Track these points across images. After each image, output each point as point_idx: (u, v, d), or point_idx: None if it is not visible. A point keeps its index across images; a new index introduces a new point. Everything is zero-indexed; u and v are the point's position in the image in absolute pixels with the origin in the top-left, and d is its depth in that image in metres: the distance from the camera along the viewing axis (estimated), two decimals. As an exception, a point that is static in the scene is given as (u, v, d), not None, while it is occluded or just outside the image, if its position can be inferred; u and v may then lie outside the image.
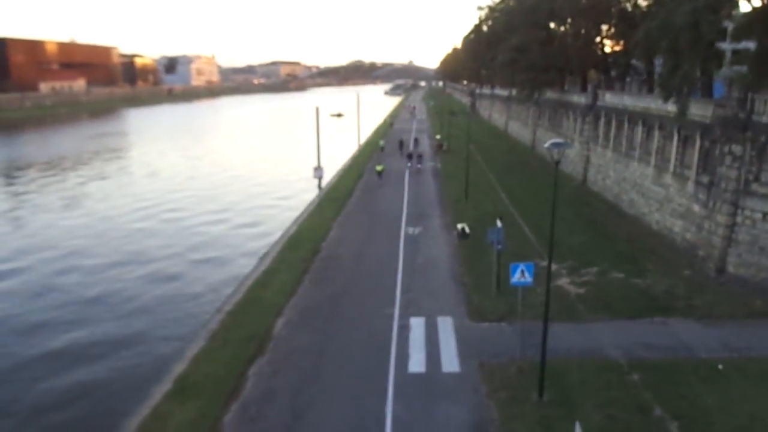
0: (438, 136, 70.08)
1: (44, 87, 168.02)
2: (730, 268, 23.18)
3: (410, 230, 31.72)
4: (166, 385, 16.27)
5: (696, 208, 26.18)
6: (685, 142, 28.02)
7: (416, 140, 68.23)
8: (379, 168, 47.69)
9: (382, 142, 67.53)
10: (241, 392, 15.86)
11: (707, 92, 30.72)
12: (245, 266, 28.17)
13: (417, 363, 17.33)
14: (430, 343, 18.52)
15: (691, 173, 26.86)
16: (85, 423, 16.25)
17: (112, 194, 48.53)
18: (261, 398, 15.57)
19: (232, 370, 16.88)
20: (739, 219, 22.91)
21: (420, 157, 51.48)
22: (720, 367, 16.55)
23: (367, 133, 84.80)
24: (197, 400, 15.35)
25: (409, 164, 50.39)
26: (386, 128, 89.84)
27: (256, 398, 15.57)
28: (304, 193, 44.51)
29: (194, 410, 14.87)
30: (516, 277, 16.44)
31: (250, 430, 14.19)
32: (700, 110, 26.06)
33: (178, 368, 17.27)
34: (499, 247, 21.48)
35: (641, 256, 26.58)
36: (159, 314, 23.62)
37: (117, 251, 32.08)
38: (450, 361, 17.38)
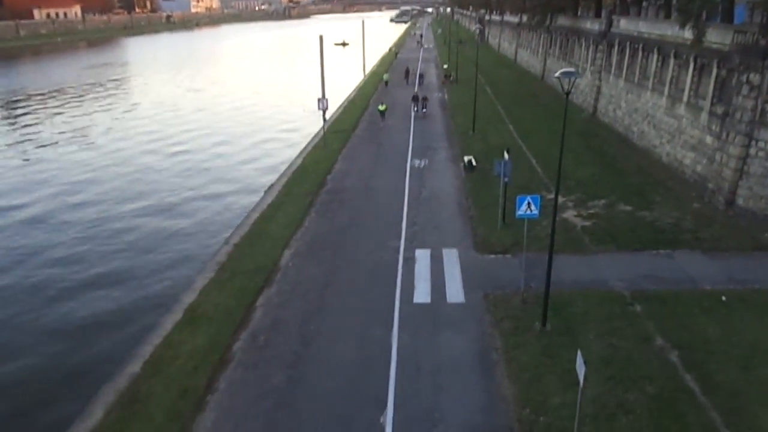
0: (445, 66, 68.31)
1: (38, 14, 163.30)
2: (740, 201, 22.97)
3: (416, 163, 31.45)
4: (176, 315, 16.61)
5: (708, 139, 25.67)
6: (701, 71, 27.13)
7: (421, 76, 63.31)
8: (381, 107, 42.67)
9: (386, 76, 62.16)
10: (249, 322, 16.20)
11: (728, 17, 29.43)
12: (251, 199, 28.17)
13: (422, 294, 17.56)
14: (436, 275, 18.70)
15: (706, 104, 26.16)
16: (98, 351, 16.68)
17: (114, 127, 48.04)
18: (270, 327, 15.90)
19: (240, 300, 17.17)
20: (752, 151, 22.48)
21: (425, 100, 44.91)
22: (723, 298, 16.69)
23: (372, 62, 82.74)
24: (208, 329, 15.70)
25: (414, 108, 44.71)
26: (391, 58, 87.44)
27: (264, 327, 15.91)
28: (308, 126, 43.91)
29: (205, 338, 15.23)
30: (522, 210, 16.35)
31: (260, 358, 14.56)
32: (718, 37, 25.04)
33: (188, 299, 17.58)
34: (506, 179, 21.28)
35: (650, 188, 26.35)
36: (166, 247, 23.84)
37: (122, 185, 32.03)
38: (455, 292, 17.60)
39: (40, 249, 23.66)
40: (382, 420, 12.31)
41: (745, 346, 14.48)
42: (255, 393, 13.25)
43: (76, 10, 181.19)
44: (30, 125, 49.01)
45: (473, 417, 12.37)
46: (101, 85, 72.81)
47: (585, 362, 10.43)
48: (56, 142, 42.54)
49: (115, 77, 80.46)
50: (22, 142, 43.13)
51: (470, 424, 12.18)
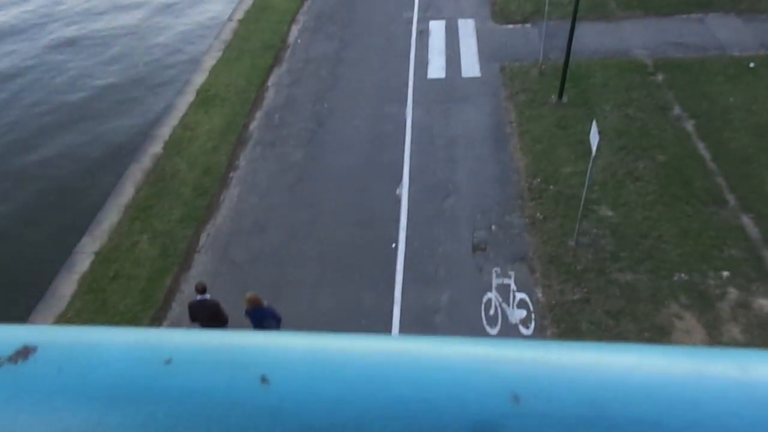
0: None
1: None
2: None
3: None
4: (189, 96, 16.54)
5: None
6: None
7: None
8: None
9: None
10: (263, 101, 16.15)
11: None
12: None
13: (436, 68, 17.07)
14: (451, 48, 17.96)
15: None
16: (117, 132, 16.95)
17: None
18: (283, 106, 15.89)
19: (251, 80, 16.90)
20: None
21: None
22: (751, 65, 16.02)
23: None
24: (222, 109, 15.75)
25: None
26: None
27: (278, 106, 15.90)
28: None
29: (220, 119, 15.37)
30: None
31: (277, 136, 14.82)
32: None
33: (198, 79, 17.32)
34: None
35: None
36: (166, 26, 22.75)
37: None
38: (470, 66, 17.07)
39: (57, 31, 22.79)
40: (398, 191, 12.91)
41: (764, 114, 14.29)
42: (275, 168, 13.76)
43: None
44: None
45: (485, 186, 12.90)
46: None
47: (599, 132, 10.47)
48: None
49: None
50: None
51: (482, 193, 12.75)
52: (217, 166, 13.79)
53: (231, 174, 13.64)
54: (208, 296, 9.03)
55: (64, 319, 10.58)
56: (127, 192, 13.37)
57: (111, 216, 12.75)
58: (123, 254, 11.72)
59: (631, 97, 15.16)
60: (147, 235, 12.06)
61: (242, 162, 14.05)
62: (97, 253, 11.81)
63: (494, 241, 11.58)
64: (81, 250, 12.07)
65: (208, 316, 8.99)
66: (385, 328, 10.11)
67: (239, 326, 9.36)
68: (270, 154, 14.23)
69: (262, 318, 8.78)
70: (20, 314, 10.80)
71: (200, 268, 11.47)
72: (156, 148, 14.61)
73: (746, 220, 11.58)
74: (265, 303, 8.79)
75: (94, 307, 10.73)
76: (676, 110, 14.63)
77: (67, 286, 11.22)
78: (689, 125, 14.14)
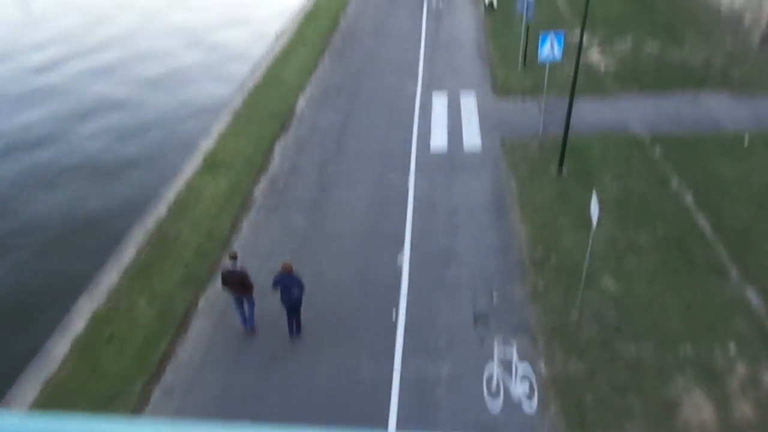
0: None
1: None
2: (777, 38, 21.64)
3: (433, 3, 29.58)
4: (196, 161, 16.86)
5: (752, -31, 23.53)
6: None
7: None
8: None
9: None
10: (268, 167, 16.44)
11: None
12: (262, 44, 27.14)
13: (439, 138, 17.47)
14: (453, 119, 18.45)
15: (755, -73, 23.59)
16: (122, 195, 17.18)
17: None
18: (288, 173, 16.16)
19: (258, 146, 17.28)
20: (798, -19, 20.70)
21: None
22: (746, 139, 16.36)
23: None
24: (227, 174, 16.01)
25: None
26: None
27: (283, 173, 16.17)
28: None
29: (225, 183, 15.59)
30: (545, 51, 15.61)
31: (280, 202, 14.98)
32: None
33: (206, 145, 17.71)
34: (529, 18, 20.05)
35: (681, 26, 24.78)
36: (182, 93, 23.52)
37: (143, 21, 30.88)
38: (472, 137, 17.47)
39: (65, 96, 23.53)
40: (399, 259, 12.90)
41: (761, 186, 14.48)
42: (277, 233, 13.82)
43: None
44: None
45: (486, 256, 12.90)
46: None
47: (600, 203, 10.57)
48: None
49: None
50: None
51: (483, 262, 12.73)
52: (219, 230, 13.86)
53: (233, 238, 13.69)
54: (238, 265, 10.59)
55: (54, 380, 10.33)
56: (128, 253, 13.38)
57: (110, 276, 12.70)
58: (120, 315, 11.59)
59: (630, 169, 15.42)
60: (145, 297, 11.97)
61: (245, 226, 14.13)
62: (94, 314, 11.68)
63: (496, 311, 11.45)
64: (78, 309, 11.95)
65: (237, 282, 10.55)
66: (383, 400, 9.84)
67: (263, 293, 11.05)
68: (273, 219, 14.34)
69: (290, 283, 10.32)
70: (11, 374, 10.58)
71: (197, 332, 11.31)
72: (160, 210, 14.75)
73: (750, 293, 11.49)
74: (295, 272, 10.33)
75: (86, 370, 10.50)
76: (675, 182, 14.84)
77: (60, 347, 11.03)
78: (688, 197, 14.29)
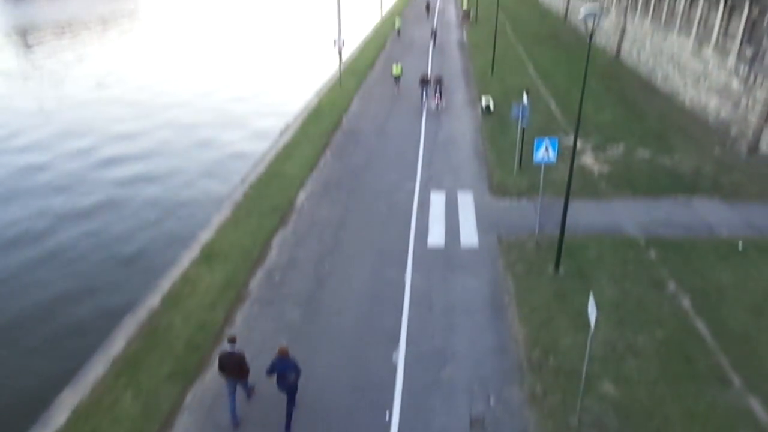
0: (465, 2, 66.19)
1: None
2: (763, 147, 22.46)
3: (433, 104, 30.92)
4: (193, 252, 16.90)
5: (735, 83, 24.87)
6: (731, 11, 26.00)
7: (434, 80, 31.29)
8: (396, 71, 33.21)
9: (398, 22, 53.18)
10: (265, 260, 16.45)
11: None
12: (266, 141, 28.07)
13: (436, 236, 17.64)
14: (450, 217, 18.72)
15: (734, 46, 25.20)
16: (116, 285, 17.09)
17: (135, 63, 47.61)
18: (285, 266, 16.15)
19: (256, 239, 17.39)
20: (779, 96, 21.81)
21: (439, 83, 29.71)
22: (740, 245, 16.56)
23: (389, 1, 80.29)
24: (224, 266, 15.99)
25: (423, 97, 30.36)
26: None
27: (280, 266, 16.16)
28: (324, 66, 43.14)
29: (221, 275, 15.54)
30: (540, 154, 16.14)
31: (276, 295, 14.86)
32: (753, -25, 23.85)
33: (205, 236, 17.84)
34: (524, 123, 20.91)
35: (671, 134, 25.81)
36: (183, 186, 24.01)
37: (143, 122, 32.04)
38: (469, 235, 17.65)
39: (58, 191, 23.96)
40: (394, 357, 12.62)
41: (759, 293, 14.48)
42: (271, 328, 13.60)
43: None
44: (37, 60, 48.72)
45: (483, 356, 12.63)
46: (112, 21, 71.68)
47: (597, 305, 10.52)
48: (64, 80, 42.36)
49: (127, 11, 79.07)
50: (35, 77, 43.00)
51: (480, 363, 12.45)
52: (212, 323, 13.65)
53: (226, 331, 13.45)
54: (236, 348, 10.64)
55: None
56: (117, 345, 13.09)
57: (96, 369, 12.34)
58: (103, 410, 11.14)
59: (626, 271, 15.46)
60: (131, 391, 11.57)
61: (239, 319, 13.93)
62: (76, 408, 11.23)
63: (493, 415, 11.06)
64: (60, 403, 11.51)
65: (235, 366, 10.57)
66: None
67: (260, 378, 11.25)
68: (267, 313, 14.16)
69: (287, 367, 10.35)
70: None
71: (182, 429, 10.84)
72: (154, 301, 14.60)
73: (754, 403, 11.16)
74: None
75: (62, 470, 9.95)
76: (671, 286, 14.83)
77: (37, 444, 10.51)
78: (685, 301, 14.23)
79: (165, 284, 15.29)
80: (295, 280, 15.48)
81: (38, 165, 26.21)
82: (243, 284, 15.26)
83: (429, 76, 31.12)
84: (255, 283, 15.41)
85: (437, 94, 29.66)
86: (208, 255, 16.61)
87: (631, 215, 18.49)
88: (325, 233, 17.90)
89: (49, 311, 15.94)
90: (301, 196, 20.44)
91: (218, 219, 18.98)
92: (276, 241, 17.49)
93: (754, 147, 22.72)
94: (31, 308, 16.09)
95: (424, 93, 30.09)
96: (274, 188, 20.99)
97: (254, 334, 13.37)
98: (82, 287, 16.97)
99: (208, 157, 26.83)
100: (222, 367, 10.64)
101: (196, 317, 13.82)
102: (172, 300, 14.55)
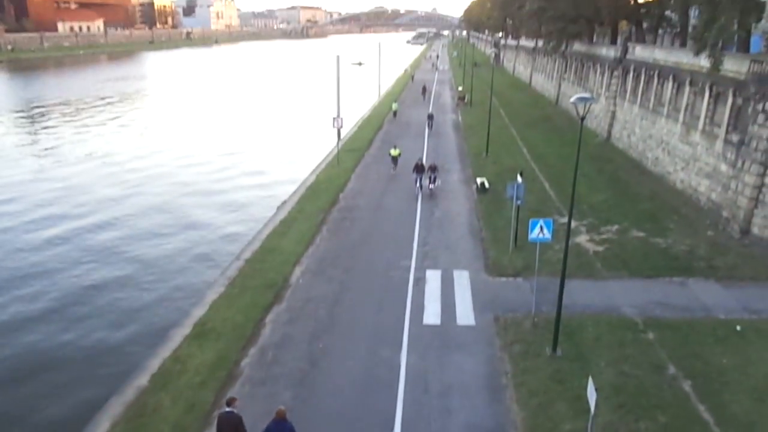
0: (460, 88, 68.84)
1: (62, 27, 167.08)
2: (755, 230, 22.74)
3: (428, 182, 31.43)
4: (185, 329, 16.62)
5: (723, 167, 25.52)
6: (716, 98, 27.08)
7: (431, 117, 47.35)
8: (394, 152, 33.96)
9: (394, 105, 53.99)
10: (258, 338, 16.17)
11: (744, 47, 29.42)
12: (263, 217, 28.30)
13: (432, 315, 17.46)
14: (446, 296, 18.61)
15: (721, 131, 26.06)
16: (106, 363, 16.71)
17: (131, 141, 48.75)
18: (278, 344, 15.86)
19: (250, 316, 17.17)
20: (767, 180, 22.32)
21: (434, 170, 29.74)
22: (738, 328, 16.43)
23: (388, 82, 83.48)
24: (216, 344, 15.68)
25: (417, 183, 29.39)
26: (406, 80, 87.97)
27: (273, 344, 15.87)
28: (322, 144, 44.20)
29: (213, 353, 15.21)
30: (535, 233, 16.29)
31: (268, 375, 14.50)
32: (734, 65, 25.04)
33: (198, 313, 17.60)
34: (519, 202, 21.23)
35: (663, 215, 26.18)
36: (178, 261, 23.96)
37: (138, 200, 32.39)
38: (465, 314, 17.48)
39: (53, 262, 23.88)
40: (388, 442, 12.18)
41: (760, 378, 14.21)
42: (261, 410, 13.12)
43: (99, 24, 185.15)
44: (42, 137, 49.83)
45: (481, 441, 12.20)
46: (116, 98, 74.01)
47: (596, 389, 10.30)
48: (64, 158, 43.18)
49: (131, 90, 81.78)
50: (34, 155, 43.81)
51: (478, 448, 12.01)
52: (201, 403, 13.22)
53: (215, 413, 13.00)
54: (234, 410, 10.74)
55: None
56: (101, 427, 12.61)
57: (78, 453, 11.83)
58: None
59: (624, 354, 15.22)
60: (113, 478, 11.04)
61: (228, 400, 13.49)
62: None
63: (491, 506, 10.53)
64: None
65: (231, 428, 10.64)
66: None
67: None
68: (258, 394, 13.76)
69: (283, 430, 10.52)
70: None
71: None
72: (142, 380, 14.20)
73: (764, 497, 10.69)
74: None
75: None
76: (671, 370, 14.56)
77: None
78: (686, 386, 13.93)
79: (154, 363, 14.92)
80: (288, 359, 15.16)
81: (32, 246, 26.25)
82: (235, 363, 14.91)
83: (424, 163, 30.36)
84: (247, 361, 15.07)
85: (432, 183, 29.25)
86: (199, 332, 16.32)
87: (627, 295, 18.43)
88: (320, 310, 17.71)
89: (35, 398, 15.37)
90: (297, 272, 20.37)
91: (212, 295, 18.81)
92: (270, 318, 17.27)
93: (746, 229, 23.01)
94: (13, 401, 15.43)
95: (419, 180, 29.34)
96: (270, 264, 20.94)
97: (245, 416, 12.90)
98: (68, 377, 16.32)
99: (201, 237, 26.86)
100: (220, 429, 10.76)
101: (185, 398, 13.40)
102: (161, 379, 14.16)
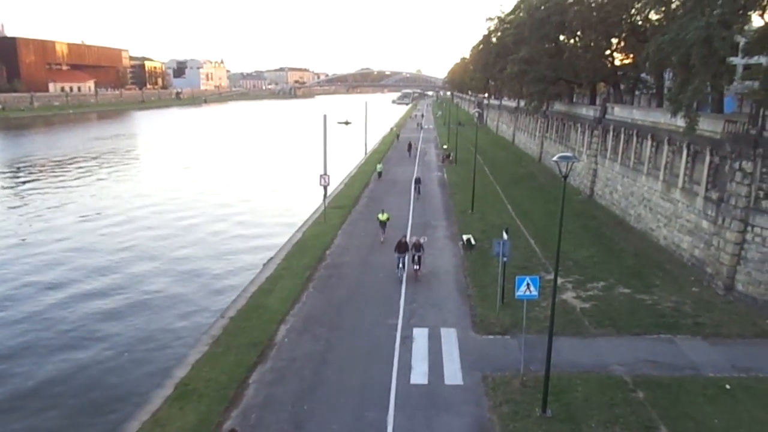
0: (445, 146, 70.19)
1: (53, 87, 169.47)
2: (739, 286, 22.92)
3: (415, 239, 31.49)
4: (166, 390, 16.16)
5: (705, 224, 25.95)
6: (694, 157, 27.83)
7: (418, 180, 45.41)
8: (382, 217, 31.75)
9: (379, 166, 53.88)
10: (242, 399, 15.73)
11: (718, 107, 30.56)
12: (249, 274, 28.06)
13: (419, 374, 17.15)
14: (433, 355, 18.34)
15: (701, 189, 26.65)
16: (83, 426, 16.10)
17: (118, 197, 48.69)
18: (262, 405, 15.42)
19: (233, 376, 16.75)
20: (748, 236, 22.68)
21: (418, 249, 25.46)
22: (728, 387, 16.30)
23: (374, 141, 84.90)
24: (198, 405, 15.23)
25: (399, 265, 25.16)
26: (392, 138, 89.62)
27: (257, 405, 15.43)
28: (309, 201, 44.43)
29: (194, 416, 14.74)
30: (521, 291, 16.29)
31: (250, 438, 14.02)
32: (710, 125, 25.89)
33: (180, 373, 17.16)
34: (505, 259, 21.31)
35: (648, 271, 26.35)
36: (161, 320, 23.52)
37: (115, 258, 32.07)
38: (453, 373, 17.19)
39: (35, 319, 23.35)
40: None
41: (752, 438, 14.00)
42: (243, 476, 12.68)
43: (90, 84, 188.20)
44: (30, 194, 49.65)
45: (471, 508, 11.77)
46: (105, 156, 74.34)
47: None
48: (50, 215, 42.92)
49: (121, 148, 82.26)
50: (22, 213, 43.52)
51: None
52: (180, 470, 12.70)
53: (194, 479, 12.49)
54: None
55: None
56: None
57: None
58: None
59: (615, 414, 14.97)
60: None
61: (209, 466, 13.00)
62: None
63: None
64: None
65: None
66: None
67: None
68: (240, 459, 13.26)
69: None
70: None
71: None
72: (119, 445, 13.67)
73: None
74: None
75: None
76: (662, 430, 14.31)
77: None
78: (679, 447, 13.67)
79: (133, 426, 14.40)
80: (271, 421, 14.71)
81: (13, 297, 25.73)
82: (217, 425, 14.43)
83: (407, 240, 26.54)
84: (229, 424, 14.57)
85: (416, 265, 25.27)
86: (181, 393, 15.86)
87: (616, 353, 18.29)
88: (305, 370, 17.33)
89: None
90: (282, 331, 20.04)
91: (195, 354, 18.38)
92: (254, 378, 16.85)
93: (729, 285, 23.19)
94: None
95: (401, 262, 25.14)
96: (254, 322, 20.62)
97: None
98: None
99: (186, 292, 26.54)
100: None
101: (163, 463, 12.87)
102: (138, 444, 13.64)
